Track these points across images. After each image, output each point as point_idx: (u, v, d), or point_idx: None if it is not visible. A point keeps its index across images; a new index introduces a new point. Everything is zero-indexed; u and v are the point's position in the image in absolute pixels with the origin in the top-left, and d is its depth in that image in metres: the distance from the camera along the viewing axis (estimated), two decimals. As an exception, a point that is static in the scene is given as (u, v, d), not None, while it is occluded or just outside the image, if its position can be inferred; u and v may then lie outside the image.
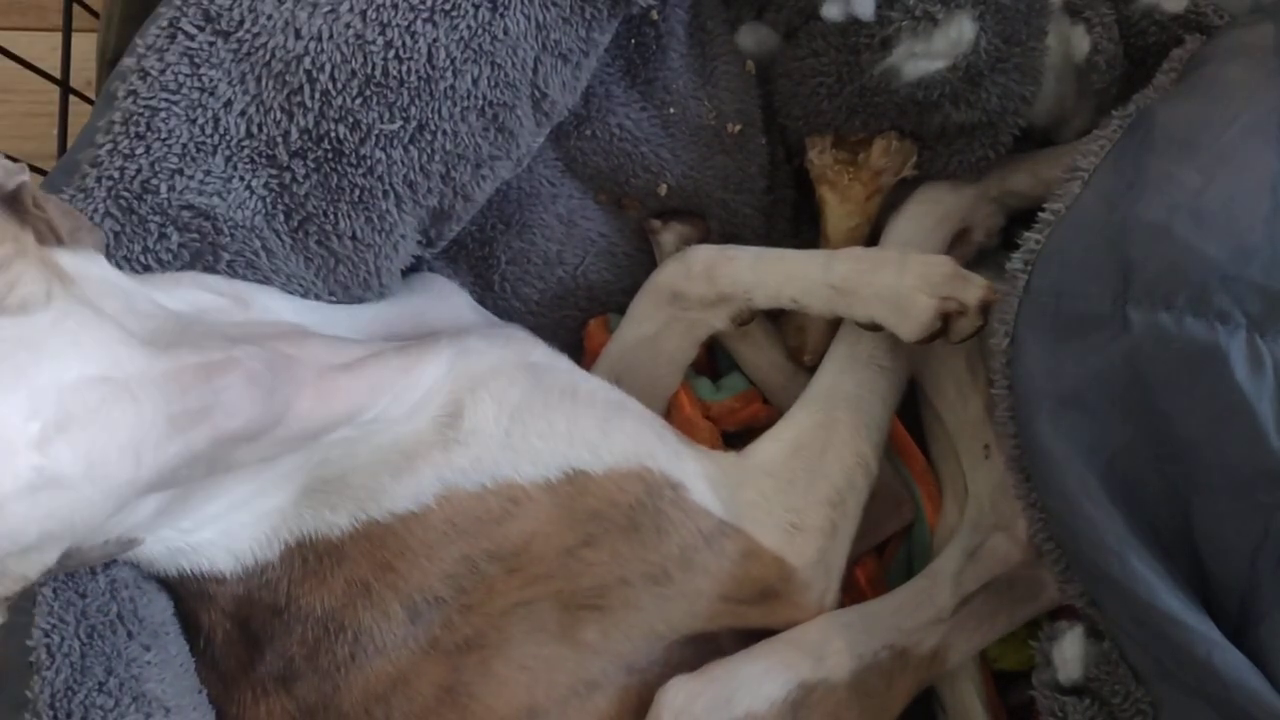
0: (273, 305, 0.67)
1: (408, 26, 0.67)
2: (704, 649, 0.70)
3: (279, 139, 0.67)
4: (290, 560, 0.62)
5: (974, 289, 0.71)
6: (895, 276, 0.72)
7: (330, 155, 0.68)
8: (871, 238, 0.82)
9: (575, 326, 0.87)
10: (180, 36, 0.65)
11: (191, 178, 0.66)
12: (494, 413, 0.65)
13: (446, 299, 0.80)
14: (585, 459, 0.66)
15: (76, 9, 0.95)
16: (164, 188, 0.65)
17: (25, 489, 0.43)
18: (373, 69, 0.67)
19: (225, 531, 0.61)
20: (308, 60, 0.66)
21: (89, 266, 0.54)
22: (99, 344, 0.47)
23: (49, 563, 0.47)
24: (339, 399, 0.60)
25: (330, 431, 0.60)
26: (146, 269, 0.65)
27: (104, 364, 0.47)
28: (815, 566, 0.70)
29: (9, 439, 0.43)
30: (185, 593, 0.63)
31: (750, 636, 0.71)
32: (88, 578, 0.60)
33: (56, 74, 0.95)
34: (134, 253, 0.64)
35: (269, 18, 0.66)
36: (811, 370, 0.78)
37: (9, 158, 0.54)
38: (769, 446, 0.72)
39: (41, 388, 0.44)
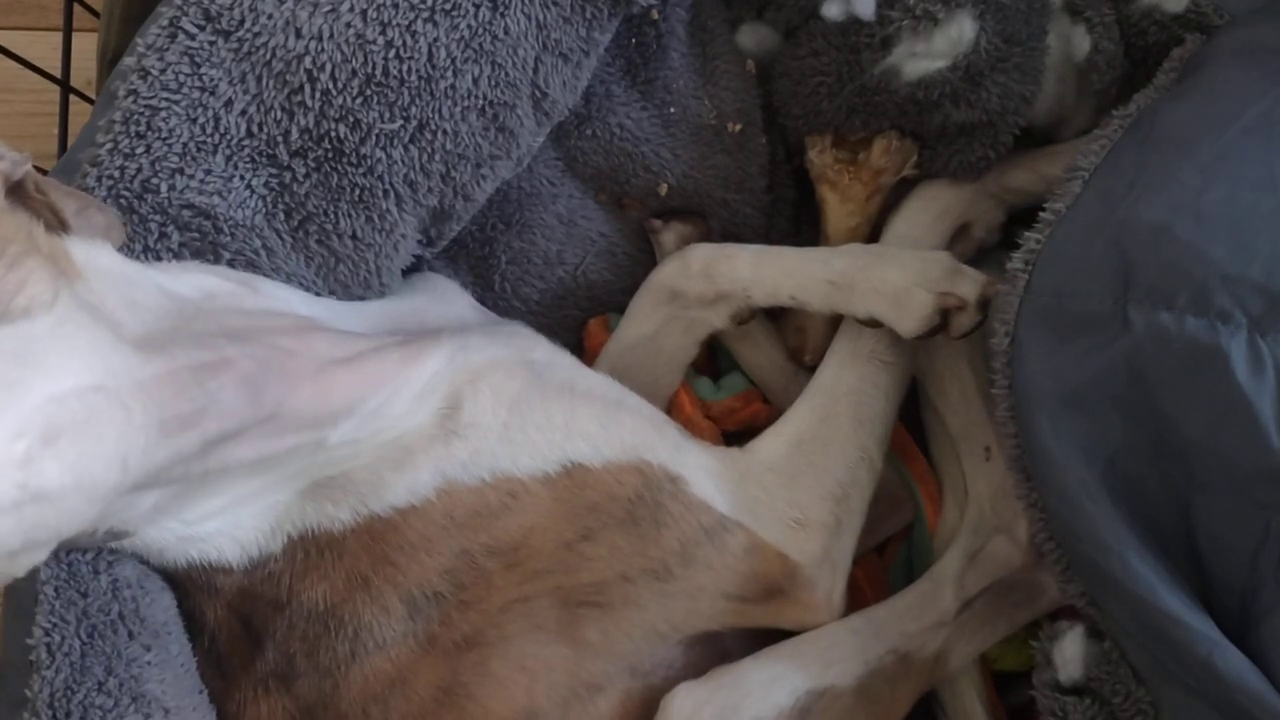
0: (281, 294, 0.67)
1: (408, 26, 0.67)
2: (709, 651, 0.70)
3: (279, 138, 0.67)
4: (292, 553, 0.62)
5: (972, 284, 0.71)
6: (893, 272, 0.72)
7: (331, 154, 0.68)
8: (872, 238, 0.82)
9: (575, 326, 0.87)
10: (181, 36, 0.65)
11: (192, 177, 0.66)
12: (492, 404, 0.65)
13: (449, 300, 0.80)
14: (583, 451, 0.66)
15: (76, 9, 0.95)
16: (164, 187, 0.65)
17: (10, 506, 0.43)
18: (373, 68, 0.67)
19: (232, 522, 0.61)
20: (308, 59, 0.66)
21: (97, 255, 0.54)
22: (95, 351, 0.48)
23: (37, 562, 0.47)
24: (337, 392, 0.60)
25: (329, 424, 0.60)
26: (147, 268, 0.65)
27: (97, 373, 0.47)
28: (820, 563, 0.69)
29: None
30: (192, 588, 0.63)
31: (757, 638, 0.70)
32: (90, 577, 0.60)
33: (56, 74, 0.95)
34: (135, 252, 0.64)
35: (269, 17, 0.66)
36: (812, 370, 0.77)
37: None
38: (771, 442, 0.72)
39: (33, 405, 0.44)
